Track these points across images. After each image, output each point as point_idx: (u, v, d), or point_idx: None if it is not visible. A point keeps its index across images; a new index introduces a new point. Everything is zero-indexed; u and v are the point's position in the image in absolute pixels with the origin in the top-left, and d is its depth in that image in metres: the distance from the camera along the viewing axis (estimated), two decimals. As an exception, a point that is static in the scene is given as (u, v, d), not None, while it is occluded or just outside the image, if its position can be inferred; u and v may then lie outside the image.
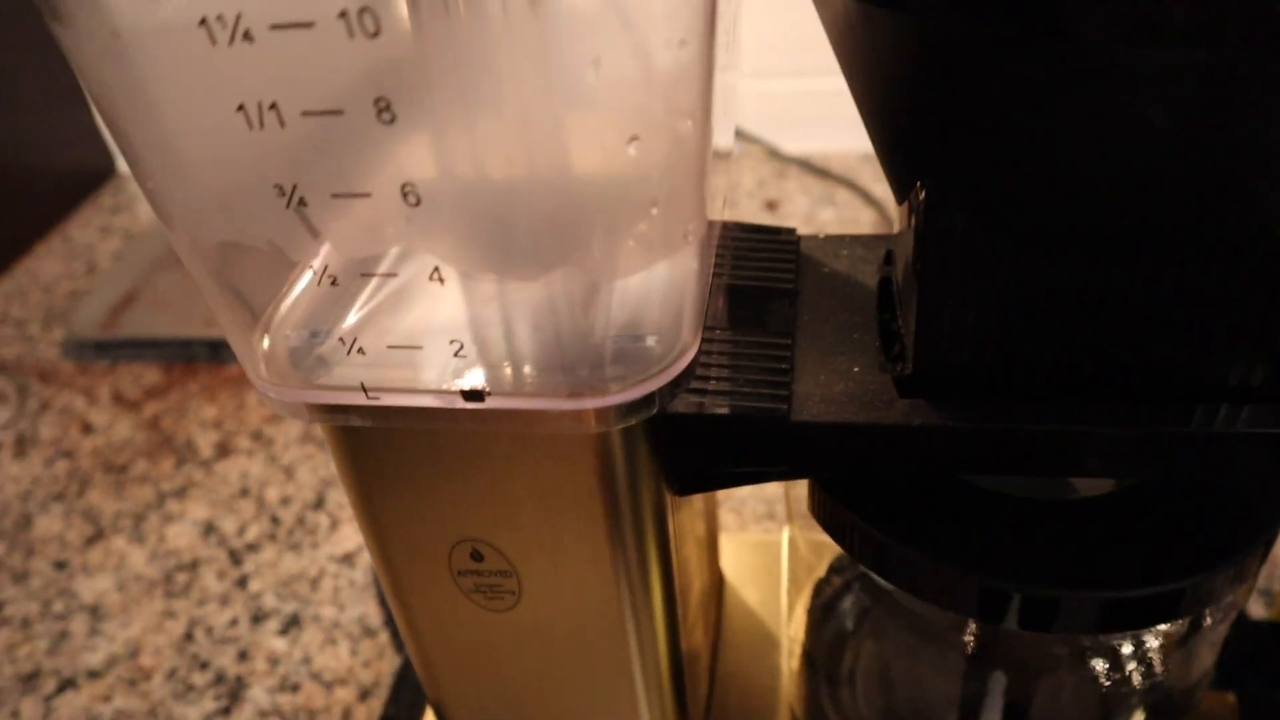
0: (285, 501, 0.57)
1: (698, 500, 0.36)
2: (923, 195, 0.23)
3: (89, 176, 0.93)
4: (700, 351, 0.26)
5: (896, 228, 0.29)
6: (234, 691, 0.47)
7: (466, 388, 0.22)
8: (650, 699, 0.32)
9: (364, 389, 0.23)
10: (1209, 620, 0.31)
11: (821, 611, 0.39)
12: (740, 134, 0.86)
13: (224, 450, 0.61)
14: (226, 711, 0.46)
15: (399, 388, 0.23)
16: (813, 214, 0.78)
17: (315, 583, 0.52)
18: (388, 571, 0.29)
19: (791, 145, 0.86)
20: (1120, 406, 0.25)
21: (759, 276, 0.30)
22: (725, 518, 0.53)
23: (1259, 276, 0.23)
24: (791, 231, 0.32)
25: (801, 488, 0.30)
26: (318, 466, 0.59)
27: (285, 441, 0.61)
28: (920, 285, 0.24)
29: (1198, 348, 0.24)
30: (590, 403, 0.22)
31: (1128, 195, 0.21)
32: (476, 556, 0.27)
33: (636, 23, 0.18)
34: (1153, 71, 0.18)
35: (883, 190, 0.78)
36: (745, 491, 0.54)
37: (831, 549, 0.40)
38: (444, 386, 0.23)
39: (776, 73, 0.82)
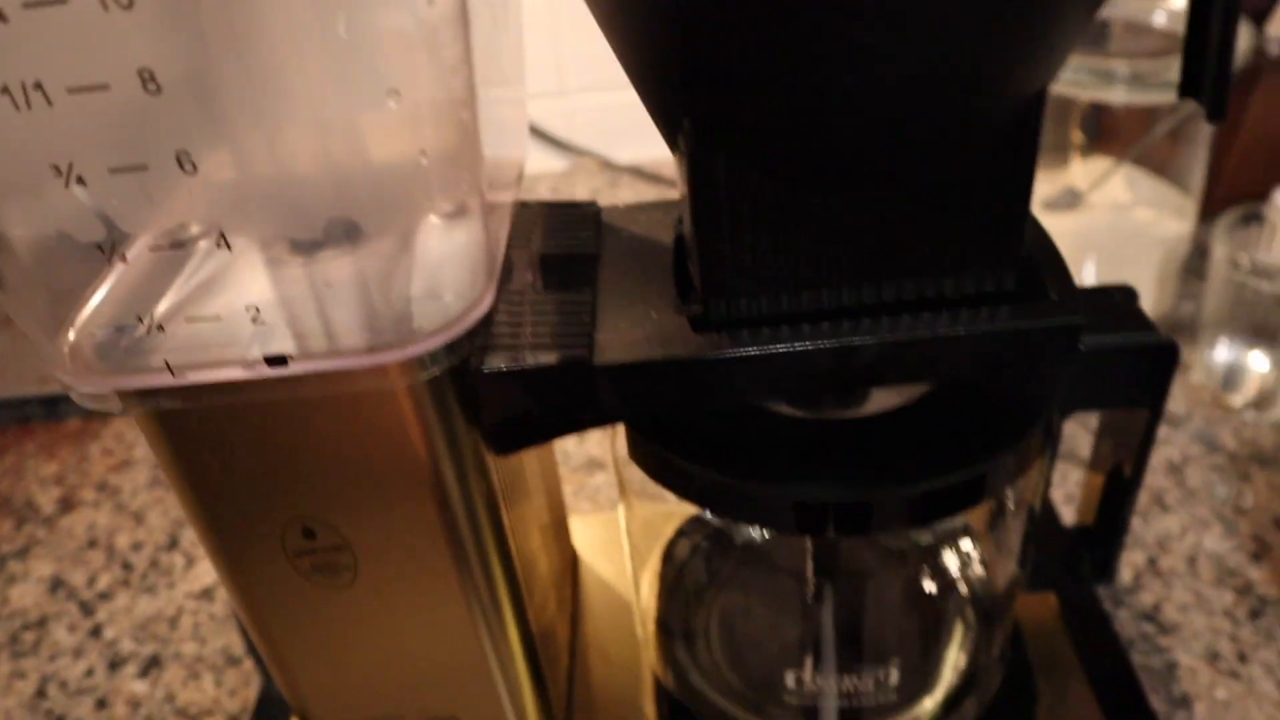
0: (136, 547, 0.55)
1: (535, 483, 0.38)
2: (688, 138, 0.25)
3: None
4: (501, 308, 0.27)
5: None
6: (94, 740, 0.45)
7: (268, 354, 0.23)
8: (505, 673, 0.33)
9: (169, 367, 0.23)
10: (1010, 509, 0.34)
11: (671, 573, 0.41)
12: (572, 147, 0.88)
13: (68, 505, 0.59)
14: (87, 761, 0.45)
15: (204, 362, 0.24)
16: (649, 218, 0.81)
17: (174, 621, 0.51)
18: (224, 564, 0.29)
19: (623, 154, 0.88)
20: (898, 318, 0.27)
21: (563, 245, 0.32)
22: (580, 504, 0.54)
23: (997, 192, 0.26)
24: (593, 204, 0.34)
25: (633, 467, 0.32)
26: (169, 509, 0.58)
27: (133, 489, 0.60)
28: (695, 224, 0.26)
29: (955, 259, 0.27)
30: (392, 355, 0.23)
31: (856, 118, 0.24)
32: (308, 534, 0.28)
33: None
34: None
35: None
36: (599, 480, 0.56)
37: (669, 516, 0.41)
38: (248, 356, 0.23)
39: (602, 86, 0.85)
